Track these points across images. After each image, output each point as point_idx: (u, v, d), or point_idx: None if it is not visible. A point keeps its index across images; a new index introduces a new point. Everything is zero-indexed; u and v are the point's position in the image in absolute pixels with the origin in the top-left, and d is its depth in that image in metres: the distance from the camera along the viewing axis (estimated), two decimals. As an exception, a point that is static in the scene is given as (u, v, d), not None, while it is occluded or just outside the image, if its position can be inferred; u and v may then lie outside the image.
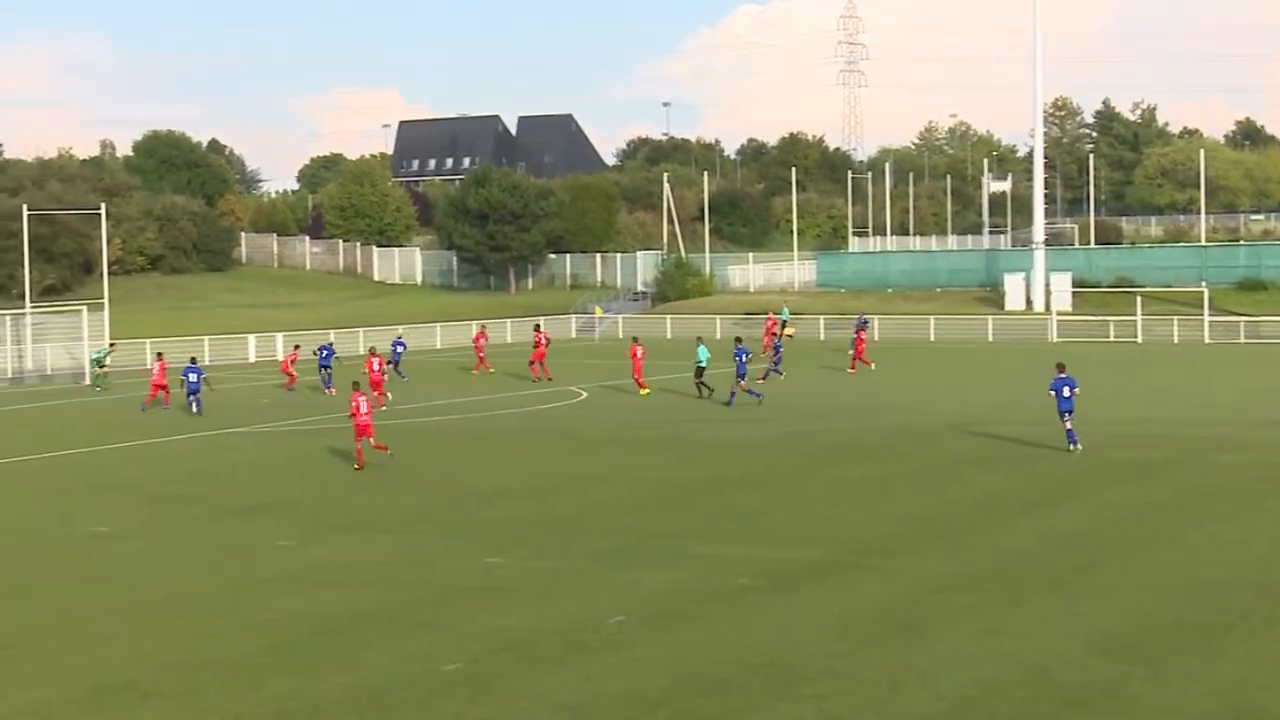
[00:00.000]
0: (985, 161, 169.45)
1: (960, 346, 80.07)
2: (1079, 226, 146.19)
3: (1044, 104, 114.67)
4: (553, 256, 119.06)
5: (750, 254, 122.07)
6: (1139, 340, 79.64)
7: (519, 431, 46.02)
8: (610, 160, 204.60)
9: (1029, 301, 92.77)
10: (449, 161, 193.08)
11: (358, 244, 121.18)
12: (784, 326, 75.46)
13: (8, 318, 71.87)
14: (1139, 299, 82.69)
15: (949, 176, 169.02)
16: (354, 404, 38.31)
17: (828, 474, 36.11)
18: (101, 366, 63.54)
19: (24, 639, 21.67)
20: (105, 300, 73.38)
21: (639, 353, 55.34)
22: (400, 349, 65.18)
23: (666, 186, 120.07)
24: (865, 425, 45.24)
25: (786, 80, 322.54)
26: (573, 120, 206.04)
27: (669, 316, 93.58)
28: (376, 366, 53.58)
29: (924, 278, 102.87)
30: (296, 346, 64.78)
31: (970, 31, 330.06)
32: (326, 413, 50.95)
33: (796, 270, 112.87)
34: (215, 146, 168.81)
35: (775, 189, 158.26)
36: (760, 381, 57.39)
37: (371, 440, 38.29)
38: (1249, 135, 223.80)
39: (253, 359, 78.30)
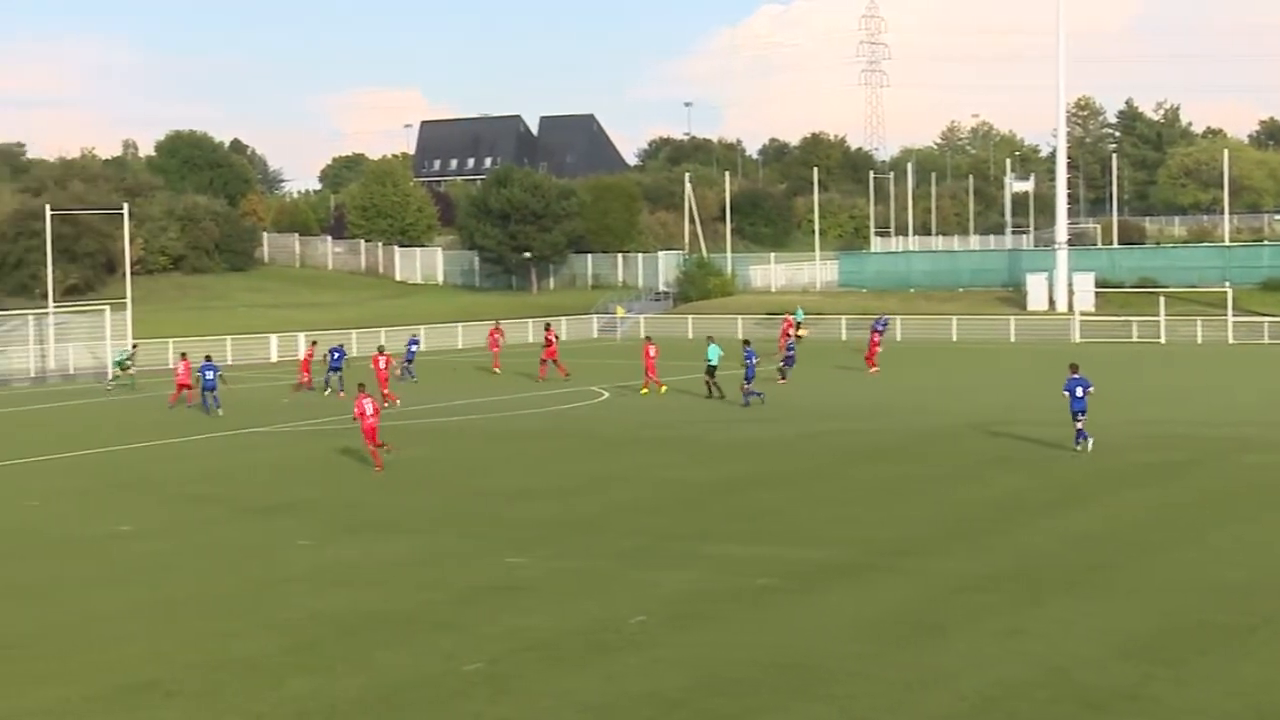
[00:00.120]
0: (1008, 161, 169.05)
1: (982, 347, 79.90)
2: (1102, 226, 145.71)
3: (1067, 104, 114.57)
4: (574, 256, 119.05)
5: (772, 254, 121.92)
6: (1162, 341, 79.38)
7: (540, 431, 46.01)
8: (632, 160, 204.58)
9: (1052, 302, 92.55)
10: (471, 161, 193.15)
11: (379, 244, 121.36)
12: (798, 327, 75.34)
13: (31, 317, 72.14)
14: (1162, 299, 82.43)
15: (971, 176, 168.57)
16: (358, 407, 38.33)
17: (848, 474, 36.05)
18: (125, 368, 63.64)
19: (47, 637, 21.72)
20: (128, 300, 73.56)
21: (652, 351, 55.49)
22: (415, 347, 65.23)
23: (688, 186, 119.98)
24: (885, 426, 45.16)
25: (808, 80, 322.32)
26: (594, 120, 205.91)
27: (690, 316, 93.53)
28: (384, 365, 53.68)
29: (946, 278, 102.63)
30: (314, 343, 64.79)
31: (993, 31, 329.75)
32: (346, 413, 50.92)
33: (818, 270, 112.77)
34: (237, 146, 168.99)
35: (797, 189, 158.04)
36: (781, 381, 57.38)
37: (371, 444, 38.35)
38: (1273, 135, 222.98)
39: (274, 359, 78.40)
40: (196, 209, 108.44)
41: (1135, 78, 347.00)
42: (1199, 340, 79.27)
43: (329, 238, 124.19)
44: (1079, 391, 37.98)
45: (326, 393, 56.47)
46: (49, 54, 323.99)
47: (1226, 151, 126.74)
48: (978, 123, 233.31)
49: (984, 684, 18.31)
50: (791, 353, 61.16)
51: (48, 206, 77.76)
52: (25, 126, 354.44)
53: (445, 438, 44.87)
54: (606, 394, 55.95)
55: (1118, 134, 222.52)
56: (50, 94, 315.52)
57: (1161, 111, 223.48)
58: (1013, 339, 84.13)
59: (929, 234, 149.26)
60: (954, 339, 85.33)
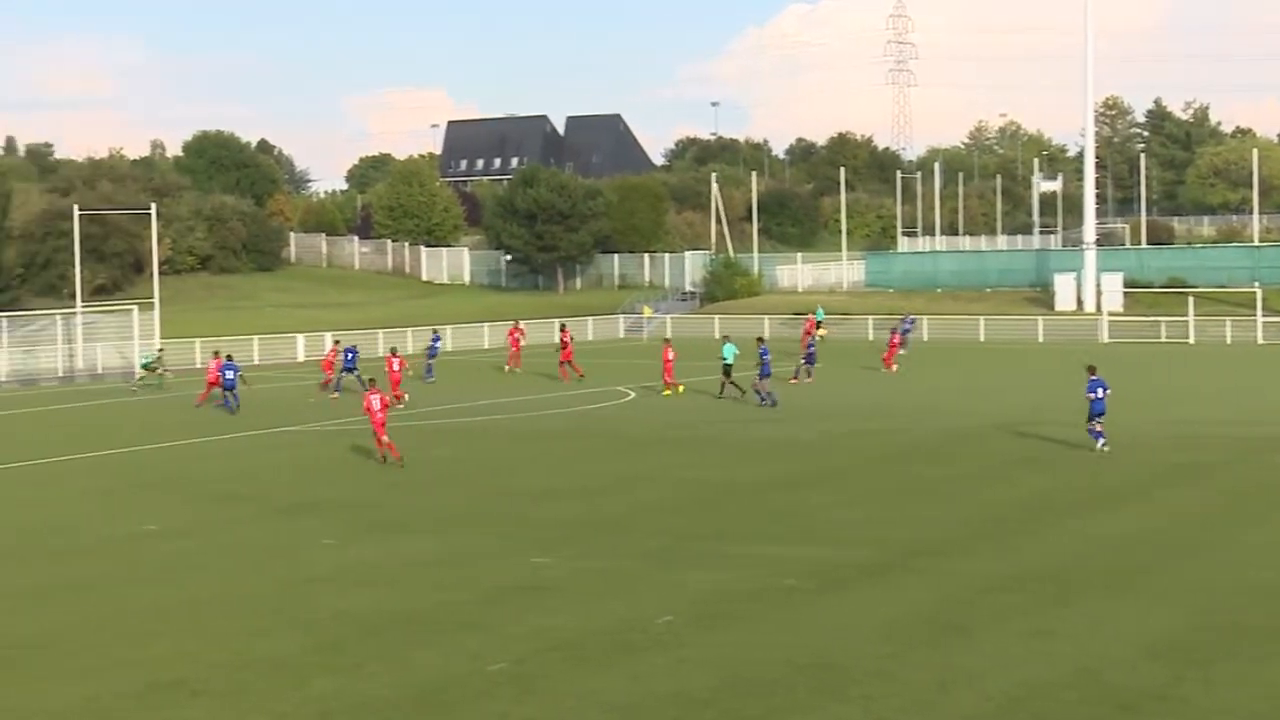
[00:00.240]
0: (1035, 161, 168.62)
1: (1010, 347, 79.67)
2: (1130, 226, 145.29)
3: (1095, 103, 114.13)
4: (601, 256, 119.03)
5: (799, 254, 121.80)
6: (1191, 341, 79.09)
7: (565, 431, 46.00)
8: (658, 160, 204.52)
9: (1080, 302, 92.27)
10: (497, 161, 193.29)
11: (406, 244, 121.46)
12: (818, 327, 75.25)
13: (59, 317, 72.35)
14: (1191, 299, 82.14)
15: (999, 176, 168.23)
16: (366, 402, 38.89)
17: (874, 475, 35.97)
18: (151, 369, 63.77)
19: (76, 636, 21.77)
20: (155, 300, 73.75)
21: (670, 354, 55.54)
22: (437, 344, 65.19)
23: (715, 186, 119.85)
24: (912, 426, 45.06)
25: (835, 80, 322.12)
26: (621, 120, 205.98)
27: (717, 316, 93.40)
28: (396, 366, 53.81)
29: (973, 278, 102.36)
30: (336, 342, 64.82)
31: (1020, 30, 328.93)
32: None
33: (845, 270, 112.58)
34: (264, 147, 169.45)
35: (824, 189, 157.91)
36: (792, 381, 57.32)
37: (383, 438, 38.54)
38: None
39: (301, 358, 78.50)
40: (224, 209, 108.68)
41: (1164, 77, 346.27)
42: (1228, 340, 78.98)
43: (355, 238, 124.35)
44: (1100, 393, 37.90)
45: (335, 395, 56.31)
46: (77, 55, 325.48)
47: (1256, 151, 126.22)
48: (1005, 122, 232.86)
49: (1010, 684, 18.24)
50: (812, 350, 61.05)
51: (76, 206, 77.98)
52: (54, 127, 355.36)
53: (470, 437, 44.89)
54: (632, 394, 55.91)
55: (1146, 133, 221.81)
56: (78, 94, 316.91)
57: (1190, 111, 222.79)
58: (1040, 339, 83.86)
59: (956, 234, 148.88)
60: (981, 339, 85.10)
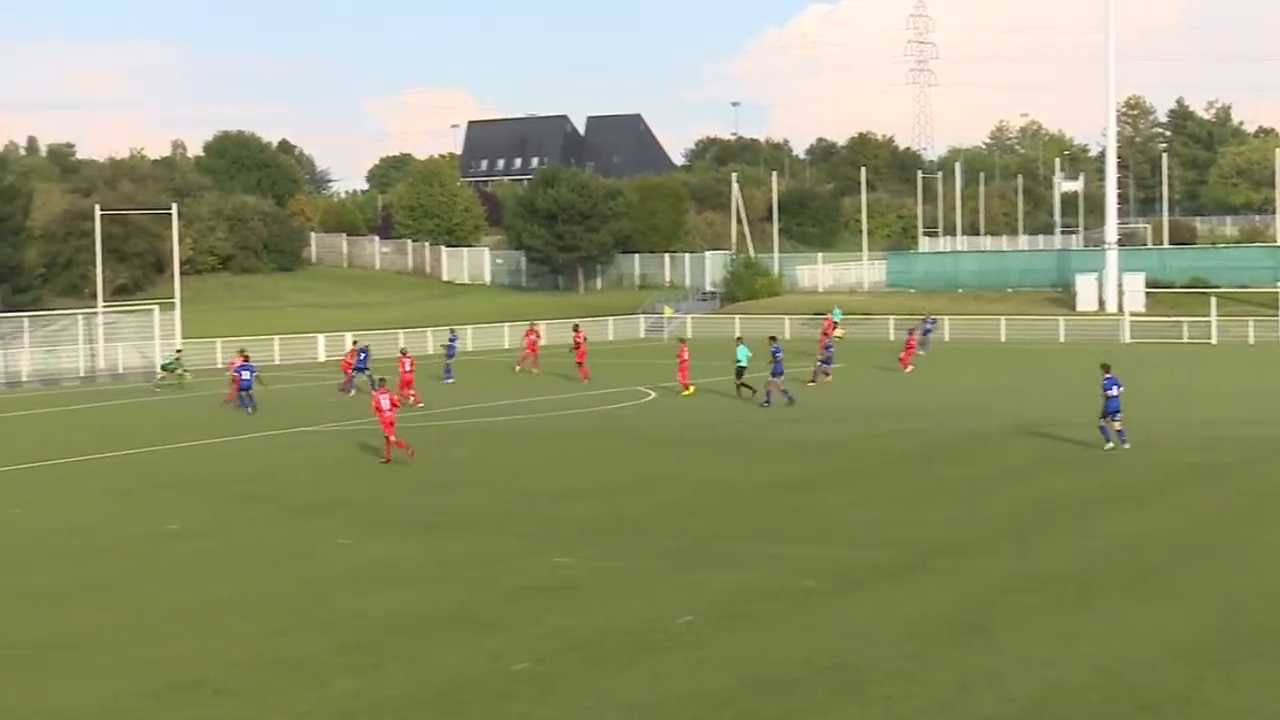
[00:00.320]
0: (1057, 161, 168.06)
1: (1031, 347, 79.50)
2: (1152, 226, 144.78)
3: (1117, 103, 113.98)
4: (621, 256, 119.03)
5: (819, 254, 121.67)
6: (1213, 341, 78.82)
7: (586, 431, 45.99)
8: (679, 160, 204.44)
9: (1101, 302, 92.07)
10: (518, 161, 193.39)
11: (426, 244, 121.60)
12: (835, 328, 75.17)
13: (80, 317, 72.55)
14: (1213, 300, 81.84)
15: (1020, 176, 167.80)
16: (375, 401, 39.13)
17: (895, 475, 35.91)
18: (171, 370, 63.85)
19: (97, 635, 21.81)
20: (176, 300, 73.91)
21: (685, 354, 55.54)
22: (455, 343, 65.16)
23: (735, 186, 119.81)
24: (932, 427, 44.98)
25: (856, 79, 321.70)
26: (641, 120, 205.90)
27: (737, 316, 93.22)
28: (408, 366, 53.94)
29: (995, 278, 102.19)
30: (355, 342, 64.93)
31: (1042, 30, 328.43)
32: (399, 413, 50.96)
33: (866, 270, 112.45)
34: (285, 147, 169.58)
35: (844, 189, 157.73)
36: (810, 384, 57.26)
37: (391, 436, 38.61)
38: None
39: (322, 358, 78.60)
40: (245, 209, 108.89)
41: (1186, 76, 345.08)
42: (1250, 341, 78.71)
43: (376, 238, 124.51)
44: (1114, 391, 37.92)
45: (352, 394, 56.35)
46: (99, 55, 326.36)
47: (1279, 151, 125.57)
48: (1027, 122, 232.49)
49: (1032, 685, 18.19)
50: (830, 351, 60.94)
51: (97, 206, 78.19)
52: (75, 127, 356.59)
53: (490, 437, 44.90)
54: (652, 394, 55.87)
55: (1168, 133, 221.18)
56: (100, 94, 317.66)
57: (1213, 110, 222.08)
58: (1062, 339, 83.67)
59: (977, 234, 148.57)
60: (1002, 339, 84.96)
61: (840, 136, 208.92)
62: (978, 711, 17.39)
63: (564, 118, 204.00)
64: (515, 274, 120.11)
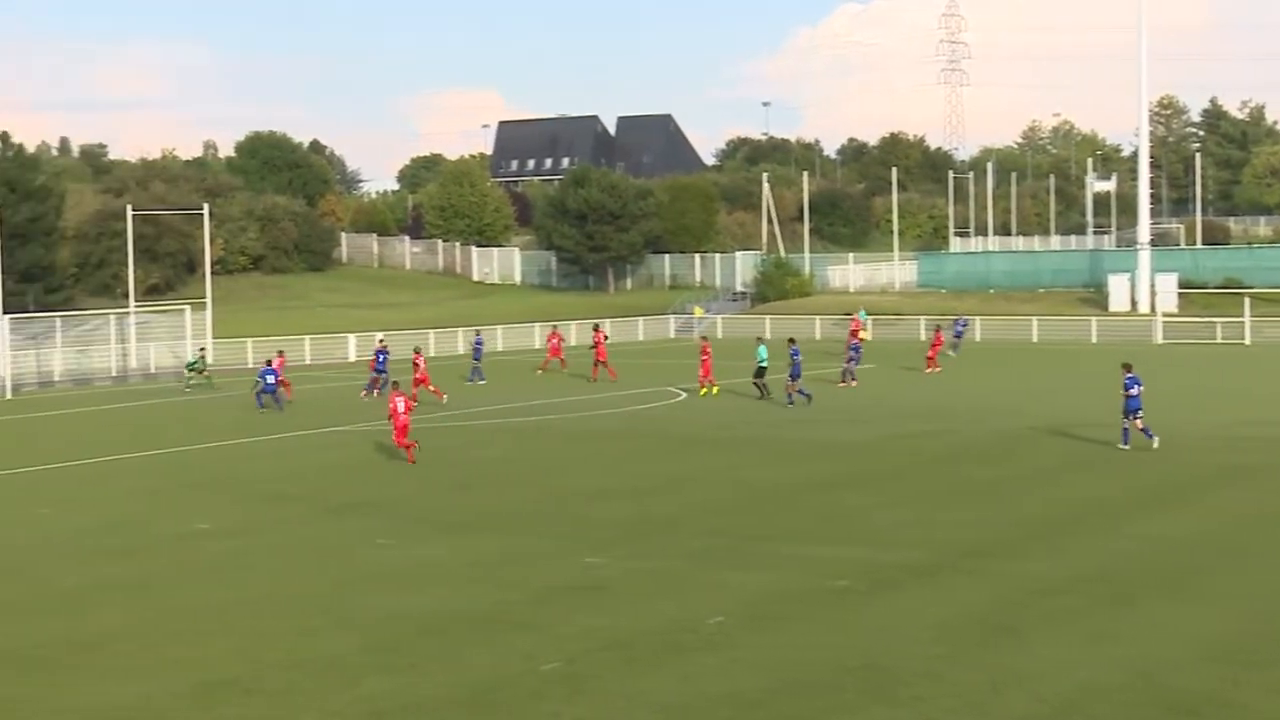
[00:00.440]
0: (1089, 161, 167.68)
1: (1063, 348, 79.22)
2: (1185, 227, 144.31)
3: (1149, 103, 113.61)
4: (652, 256, 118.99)
5: (850, 254, 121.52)
6: (1247, 342, 78.43)
7: (617, 431, 45.97)
8: (709, 160, 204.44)
9: (1134, 303, 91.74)
10: (548, 162, 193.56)
11: (457, 244, 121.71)
12: (862, 328, 75.00)
13: (112, 317, 72.78)
14: (1247, 300, 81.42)
15: (1052, 176, 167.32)
16: (391, 404, 39.21)
17: (927, 476, 35.80)
18: (198, 370, 63.99)
19: (130, 634, 21.86)
20: (208, 300, 74.10)
21: (708, 354, 55.49)
22: (480, 347, 65.07)
23: (766, 186, 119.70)
24: (963, 427, 44.85)
25: (887, 79, 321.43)
26: (671, 120, 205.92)
27: (768, 317, 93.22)
28: (423, 365, 54.22)
29: (1026, 278, 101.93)
30: (380, 340, 64.96)
31: (1074, 30, 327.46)
32: (426, 412, 51.08)
33: (897, 271, 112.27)
34: (316, 147, 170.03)
35: (876, 189, 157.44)
36: (840, 385, 57.14)
37: (402, 441, 38.92)
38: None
39: (353, 358, 78.75)
40: (276, 209, 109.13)
41: (1219, 76, 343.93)
42: (1284, 341, 78.33)
43: (407, 238, 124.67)
44: (1135, 390, 37.87)
45: (376, 394, 56.36)
46: (131, 56, 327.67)
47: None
48: (1059, 122, 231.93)
49: (1064, 687, 18.10)
50: (858, 352, 60.67)
51: (129, 207, 78.43)
52: (107, 128, 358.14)
53: (522, 438, 44.91)
54: (683, 394, 55.80)
55: (1201, 133, 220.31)
56: (132, 95, 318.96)
57: (1246, 110, 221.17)
58: (1094, 340, 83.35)
59: (1009, 234, 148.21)
60: (1034, 340, 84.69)
61: (871, 136, 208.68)
62: (1009, 713, 17.32)
63: (594, 118, 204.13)
64: (545, 274, 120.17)
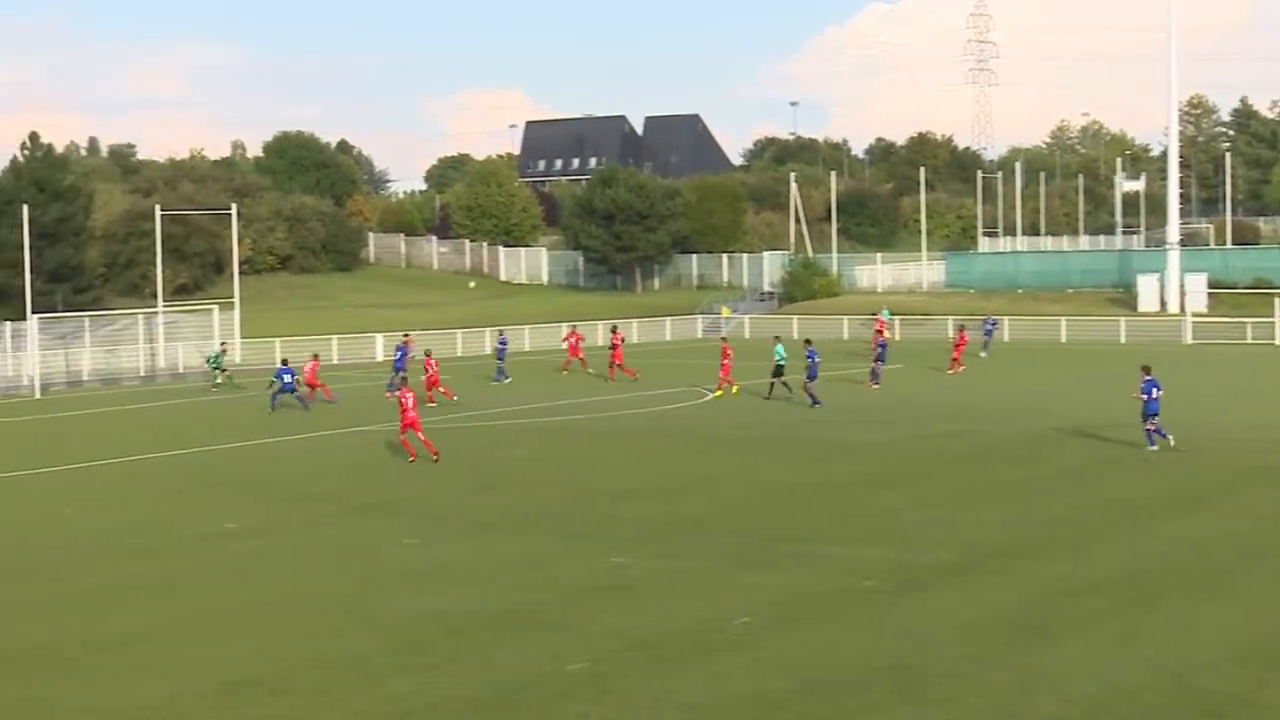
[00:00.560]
0: (1118, 161, 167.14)
1: (1092, 348, 78.91)
2: (1215, 227, 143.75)
3: (1179, 102, 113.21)
4: (679, 257, 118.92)
5: (878, 254, 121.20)
6: (1277, 343, 78.04)
7: (644, 431, 45.93)
8: (737, 160, 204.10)
9: (1163, 303, 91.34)
10: (575, 162, 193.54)
11: (484, 244, 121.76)
12: (886, 328, 74.67)
13: (141, 317, 73.00)
14: (1277, 301, 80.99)
15: (1081, 176, 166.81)
16: (402, 401, 39.28)
17: (955, 476, 35.71)
18: (221, 369, 64.09)
19: (156, 634, 21.89)
20: (236, 300, 74.29)
21: (728, 354, 55.34)
22: (504, 347, 64.89)
23: (794, 186, 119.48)
24: (990, 427, 44.72)
25: (915, 79, 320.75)
26: (699, 120, 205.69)
27: (796, 317, 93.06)
28: (434, 367, 54.40)
29: (1055, 278, 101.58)
30: (406, 335, 64.89)
31: (1103, 29, 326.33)
32: (448, 412, 51.15)
33: (925, 271, 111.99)
34: (344, 147, 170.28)
35: (904, 189, 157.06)
36: (871, 386, 56.97)
37: (420, 434, 39.08)
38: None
39: (380, 358, 78.81)
40: (303, 209, 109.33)
41: (1250, 75, 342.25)
42: (1315, 342, 77.96)
43: (434, 238, 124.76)
44: (1154, 393, 37.72)
45: (389, 395, 56.40)
46: (159, 56, 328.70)
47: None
48: (1088, 121, 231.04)
49: (1093, 688, 18.02)
50: (883, 350, 60.41)
51: (158, 207, 78.69)
52: (136, 128, 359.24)
53: (548, 437, 44.89)
54: (710, 394, 55.70)
55: (1231, 132, 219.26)
56: (160, 95, 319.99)
57: (1277, 109, 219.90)
58: (1123, 340, 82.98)
59: (1037, 234, 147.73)
60: (1063, 340, 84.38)
61: (899, 136, 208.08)
62: (1037, 714, 17.25)
63: (622, 118, 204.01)
64: (572, 274, 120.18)
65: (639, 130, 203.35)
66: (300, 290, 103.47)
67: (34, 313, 67.22)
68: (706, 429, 45.98)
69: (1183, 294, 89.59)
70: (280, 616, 22.80)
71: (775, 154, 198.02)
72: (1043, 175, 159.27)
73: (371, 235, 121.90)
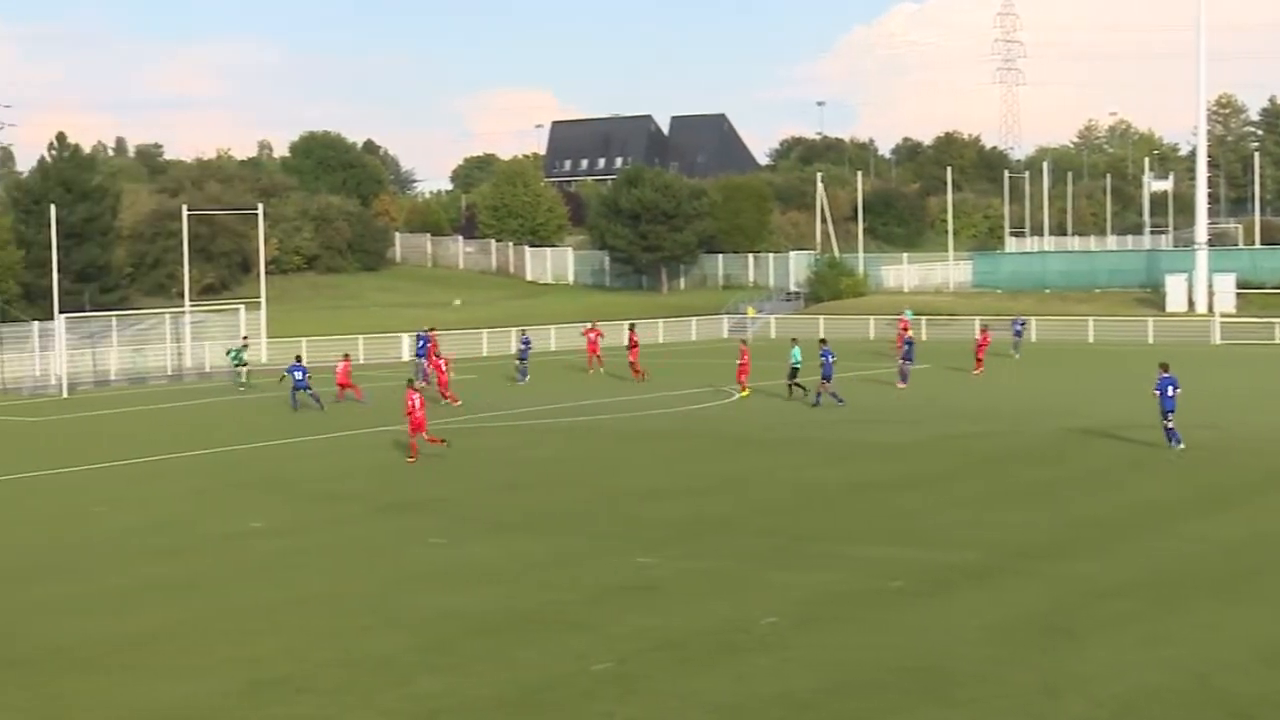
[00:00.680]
0: (1146, 160, 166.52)
1: (1119, 349, 78.60)
2: (1243, 226, 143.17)
3: (1207, 101, 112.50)
4: (705, 256, 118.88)
5: (905, 254, 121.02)
6: (1305, 343, 77.75)
7: (670, 431, 45.88)
8: (763, 160, 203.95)
9: (1191, 303, 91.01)
10: (601, 161, 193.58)
11: (510, 244, 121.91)
12: (909, 328, 74.41)
13: (168, 316, 73.20)
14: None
15: (1109, 175, 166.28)
16: (409, 401, 39.42)
17: (982, 477, 35.61)
18: (243, 363, 64.10)
19: (183, 633, 21.94)
20: (262, 299, 74.41)
21: (746, 356, 55.23)
22: (526, 347, 64.63)
23: (820, 186, 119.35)
24: (1017, 428, 44.56)
25: (942, 79, 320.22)
26: (725, 120, 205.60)
27: (822, 317, 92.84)
28: (444, 366, 54.47)
29: (1082, 278, 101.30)
30: (429, 329, 64.88)
31: (1131, 28, 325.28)
32: (473, 412, 51.17)
33: (951, 271, 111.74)
34: (370, 147, 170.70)
35: (930, 188, 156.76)
36: (901, 386, 56.84)
37: (425, 435, 39.32)
38: None
39: (405, 358, 78.81)
40: (330, 209, 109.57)
41: (1279, 74, 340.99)
42: (1344, 342, 77.57)
43: (460, 238, 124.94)
44: (1170, 391, 37.62)
45: (424, 384, 56.51)
46: (186, 56, 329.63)
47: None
48: (1115, 121, 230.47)
49: (1121, 690, 17.95)
50: (910, 348, 60.23)
51: (185, 207, 78.87)
52: (163, 128, 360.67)
53: (574, 437, 44.88)
54: (736, 395, 55.63)
55: (1260, 132, 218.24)
56: (187, 96, 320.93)
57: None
58: (1150, 341, 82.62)
59: (1065, 234, 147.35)
60: (1090, 341, 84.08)
61: (926, 136, 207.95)
62: (1064, 715, 17.19)
63: (648, 117, 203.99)
64: (598, 274, 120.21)
65: (665, 130, 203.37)
66: (326, 290, 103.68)
67: (61, 312, 67.48)
68: (733, 429, 45.93)
69: (1211, 294, 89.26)
70: (306, 615, 22.83)
71: (801, 154, 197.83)
72: (1070, 175, 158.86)
73: (397, 235, 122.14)
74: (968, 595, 23.12)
